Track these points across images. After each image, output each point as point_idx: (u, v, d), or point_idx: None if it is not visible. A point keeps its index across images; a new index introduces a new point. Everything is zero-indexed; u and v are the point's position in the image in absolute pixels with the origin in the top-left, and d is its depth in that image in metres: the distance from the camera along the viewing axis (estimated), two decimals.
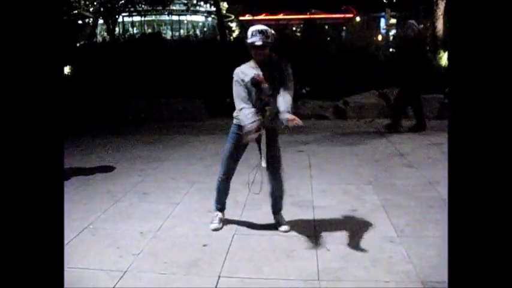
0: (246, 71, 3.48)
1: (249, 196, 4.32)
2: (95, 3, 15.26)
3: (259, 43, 3.37)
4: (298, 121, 3.30)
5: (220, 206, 3.89)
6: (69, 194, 4.75)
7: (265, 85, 3.42)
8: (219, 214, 3.87)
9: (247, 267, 3.15)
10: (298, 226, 3.77)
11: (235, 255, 3.32)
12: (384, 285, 2.89)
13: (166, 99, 9.50)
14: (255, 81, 3.42)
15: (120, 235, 3.71)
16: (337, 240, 3.54)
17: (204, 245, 3.49)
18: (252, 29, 3.44)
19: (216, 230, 3.76)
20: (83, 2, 15.02)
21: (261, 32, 3.39)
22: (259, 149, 3.59)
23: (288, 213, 3.95)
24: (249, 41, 3.40)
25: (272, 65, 3.50)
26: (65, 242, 3.57)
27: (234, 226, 3.83)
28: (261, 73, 3.44)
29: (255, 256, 3.31)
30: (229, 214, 4.03)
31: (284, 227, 3.73)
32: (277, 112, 3.44)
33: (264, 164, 3.56)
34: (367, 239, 3.54)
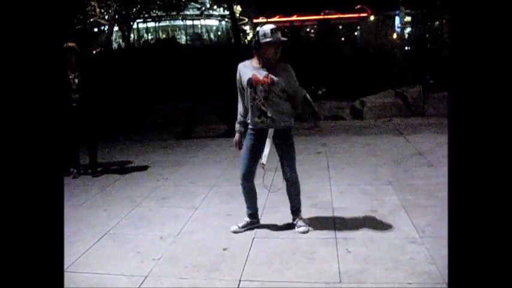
0: (247, 70, 3.55)
1: (268, 198, 4.31)
2: (110, 11, 15.42)
3: (284, 39, 3.46)
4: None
5: (250, 210, 3.86)
6: (90, 200, 4.81)
7: (261, 86, 3.48)
8: (247, 219, 3.85)
9: (268, 271, 3.14)
10: (318, 228, 3.75)
11: (255, 259, 3.31)
12: (408, 286, 2.85)
13: (182, 103, 9.54)
14: (250, 82, 3.50)
15: (141, 240, 3.73)
16: (357, 241, 3.50)
17: (224, 249, 3.48)
18: (265, 28, 3.45)
19: (235, 232, 3.77)
20: (98, 10, 15.20)
21: (278, 29, 3.45)
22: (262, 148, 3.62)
23: (308, 214, 3.94)
24: (269, 39, 3.39)
25: (277, 65, 3.53)
26: (87, 247, 3.62)
27: (254, 229, 3.82)
28: (261, 73, 3.48)
29: (275, 259, 3.29)
30: None
31: (301, 228, 3.72)
32: (282, 112, 3.53)
33: (263, 160, 3.59)
34: (388, 240, 3.49)
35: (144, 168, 6.07)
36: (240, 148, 3.74)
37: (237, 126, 3.76)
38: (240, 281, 3.02)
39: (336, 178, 5.16)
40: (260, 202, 4.31)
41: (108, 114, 9.21)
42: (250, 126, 3.66)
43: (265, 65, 3.51)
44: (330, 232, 3.69)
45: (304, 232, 3.68)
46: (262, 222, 3.94)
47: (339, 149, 6.58)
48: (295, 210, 3.83)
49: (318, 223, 3.82)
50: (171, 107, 9.53)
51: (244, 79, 3.53)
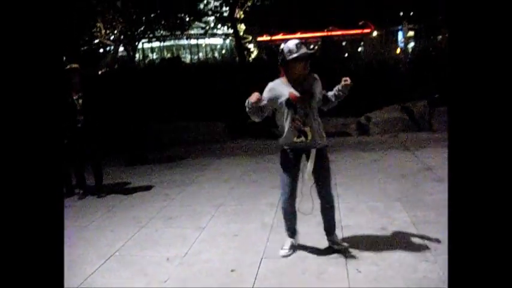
0: (281, 89, 3.39)
1: (276, 216, 4.25)
2: (116, 31, 15.59)
3: (311, 51, 3.43)
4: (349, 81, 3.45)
5: (291, 232, 3.74)
6: (96, 221, 4.77)
7: (301, 104, 3.35)
8: (291, 240, 3.72)
9: None
10: (327, 247, 3.68)
11: (264, 280, 3.25)
12: None
13: (187, 122, 9.56)
14: (289, 102, 3.35)
15: (147, 262, 3.68)
16: (367, 260, 3.43)
17: (232, 270, 3.43)
18: (290, 44, 3.34)
19: (285, 256, 3.61)
20: (104, 31, 15.37)
21: (303, 43, 3.36)
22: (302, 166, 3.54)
23: (316, 233, 3.87)
24: (296, 55, 3.28)
25: (307, 78, 3.44)
26: (93, 269, 3.58)
27: (262, 249, 3.76)
28: (297, 90, 3.36)
29: (284, 280, 3.23)
30: (256, 236, 3.97)
31: (337, 246, 3.65)
32: (318, 131, 3.43)
33: (307, 178, 3.47)
34: (399, 259, 3.42)
35: (149, 188, 6.04)
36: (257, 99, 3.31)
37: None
38: None
39: (344, 195, 5.10)
40: (267, 221, 4.27)
41: (113, 134, 9.25)
42: (285, 147, 3.50)
43: (296, 80, 3.40)
44: (340, 251, 3.61)
45: (341, 248, 3.62)
46: (270, 242, 3.89)
47: (346, 166, 6.52)
48: (331, 230, 3.72)
49: (327, 242, 3.75)
50: (177, 126, 9.54)
51: (282, 99, 3.37)
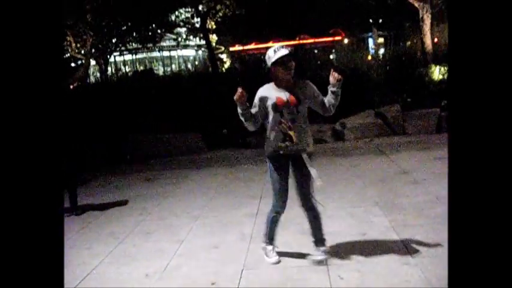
0: (269, 93, 3.39)
1: (255, 228, 4.21)
2: (87, 45, 15.36)
3: (285, 51, 3.28)
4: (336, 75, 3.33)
5: (271, 239, 3.68)
6: (71, 239, 4.63)
7: (287, 108, 3.32)
8: (273, 247, 3.69)
9: None
10: (308, 255, 3.65)
11: None
12: None
13: (163, 134, 9.46)
14: (275, 106, 3.34)
15: (125, 279, 3.59)
16: (350, 267, 3.42)
17: (213, 283, 3.36)
18: (269, 51, 3.35)
19: (277, 262, 3.60)
20: (74, 44, 15.14)
21: (281, 47, 3.35)
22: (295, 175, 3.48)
23: (296, 241, 3.84)
24: (274, 59, 3.28)
25: (297, 83, 3.42)
26: None
27: (242, 260, 3.71)
28: (285, 95, 3.34)
29: None
30: (236, 248, 3.92)
31: (318, 257, 3.56)
32: (304, 136, 3.38)
33: (318, 182, 3.38)
34: (380, 263, 3.42)
35: (126, 202, 5.91)
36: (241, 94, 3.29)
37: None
38: None
39: (322, 202, 5.09)
40: (247, 232, 4.23)
41: (86, 149, 9.07)
42: (271, 150, 3.44)
43: (285, 85, 3.37)
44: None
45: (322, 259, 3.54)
46: (250, 253, 3.84)
47: (323, 172, 6.52)
48: (320, 240, 3.63)
49: (308, 250, 3.72)
50: (152, 138, 9.42)
51: (269, 103, 3.36)
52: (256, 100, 3.44)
